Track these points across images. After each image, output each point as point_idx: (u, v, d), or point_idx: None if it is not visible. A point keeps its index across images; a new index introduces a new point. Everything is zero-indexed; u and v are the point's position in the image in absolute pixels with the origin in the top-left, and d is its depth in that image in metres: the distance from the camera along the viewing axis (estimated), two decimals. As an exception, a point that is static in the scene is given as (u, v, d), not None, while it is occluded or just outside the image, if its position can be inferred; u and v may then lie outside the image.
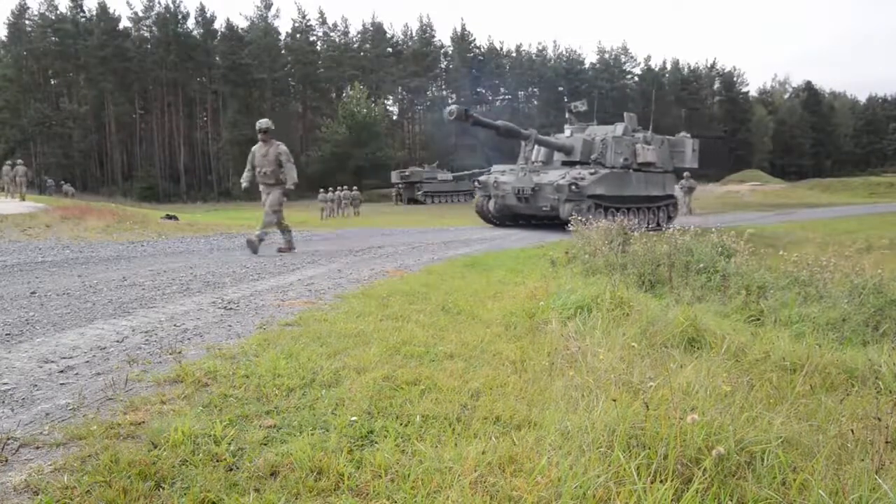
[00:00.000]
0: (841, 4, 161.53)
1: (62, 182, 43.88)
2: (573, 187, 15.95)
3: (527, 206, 17.14)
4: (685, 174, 25.61)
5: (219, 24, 63.12)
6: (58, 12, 58.37)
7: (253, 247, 9.31)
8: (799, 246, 11.53)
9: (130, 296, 5.57)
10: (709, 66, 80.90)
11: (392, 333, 4.38)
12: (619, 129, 18.80)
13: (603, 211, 16.17)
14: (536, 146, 18.86)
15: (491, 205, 18.17)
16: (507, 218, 18.59)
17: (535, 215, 17.96)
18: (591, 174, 16.38)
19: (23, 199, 22.04)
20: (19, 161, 25.96)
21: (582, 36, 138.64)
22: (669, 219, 19.96)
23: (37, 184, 39.83)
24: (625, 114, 20.13)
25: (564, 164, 18.10)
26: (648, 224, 17.40)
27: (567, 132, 19.46)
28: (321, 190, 30.85)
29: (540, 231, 16.97)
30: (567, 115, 21.09)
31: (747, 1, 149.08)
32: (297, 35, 66.57)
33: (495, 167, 18.99)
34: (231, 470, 2.30)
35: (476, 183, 18.75)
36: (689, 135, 21.79)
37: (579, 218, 13.25)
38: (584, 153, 18.11)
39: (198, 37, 61.44)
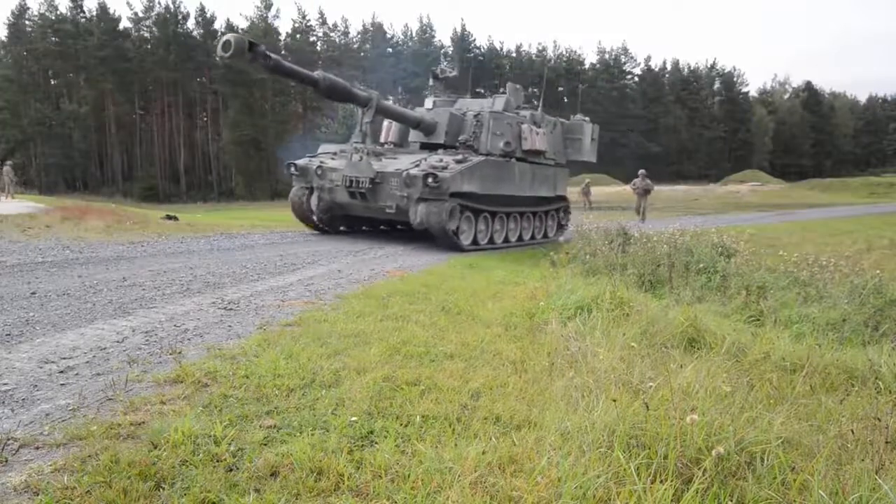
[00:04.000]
0: (841, 4, 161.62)
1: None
2: (430, 180, 10.59)
3: (364, 206, 11.80)
4: (640, 172, 21.21)
5: (219, 25, 63.07)
6: (58, 13, 58.36)
7: None
8: (799, 246, 11.53)
9: (130, 296, 5.57)
10: (709, 66, 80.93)
11: (392, 334, 4.38)
12: (498, 103, 13.62)
13: (472, 216, 11.78)
14: (387, 121, 14.02)
15: (314, 201, 12.52)
16: (338, 221, 13.28)
17: (375, 219, 13.18)
18: (459, 162, 11.18)
19: (12, 197, 22.13)
20: (8, 162, 26.08)
21: (582, 36, 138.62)
22: (560, 228, 15.61)
23: (37, 183, 39.78)
24: (507, 84, 15.10)
25: (424, 147, 13.13)
26: (534, 235, 14.13)
27: (428, 104, 14.14)
28: None
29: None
30: (430, 83, 15.22)
31: (747, 1, 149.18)
32: (297, 35, 66.56)
33: (324, 146, 13.47)
34: (231, 470, 2.30)
35: (292, 169, 12.65)
36: (587, 118, 16.45)
37: (446, 226, 10.80)
38: (450, 133, 12.91)
39: (198, 37, 61.42)
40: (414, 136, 13.55)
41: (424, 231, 11.29)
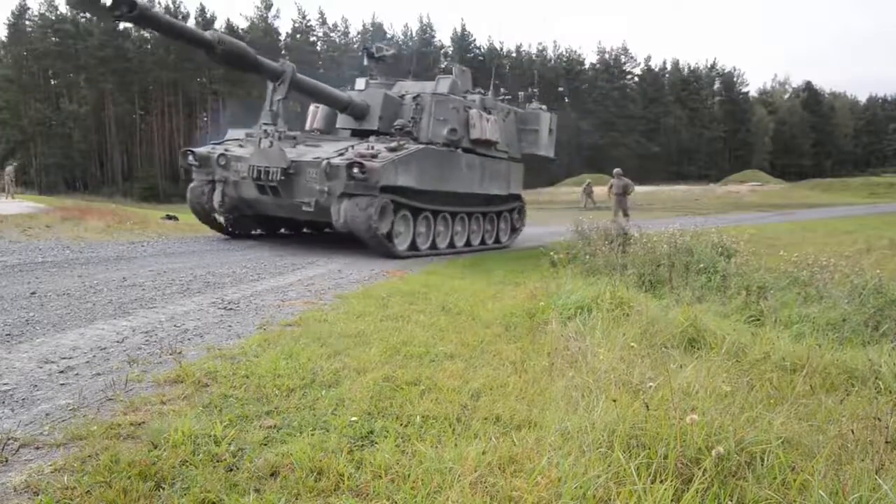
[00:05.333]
0: (841, 4, 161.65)
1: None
2: (355, 171, 8.76)
3: (276, 203, 9.74)
4: (616, 171, 18.28)
5: (219, 25, 63.09)
6: (58, 13, 58.36)
7: None
8: (799, 246, 11.54)
9: (131, 296, 5.57)
10: (709, 66, 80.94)
11: (392, 334, 4.38)
12: (442, 84, 11.77)
13: (410, 216, 10.08)
14: (314, 105, 12.13)
15: (216, 197, 10.07)
16: (249, 223, 11.30)
17: (292, 219, 11.06)
18: (392, 150, 9.44)
19: (12, 198, 22.21)
20: (13, 163, 26.17)
21: (582, 36, 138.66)
22: (514, 231, 14.01)
23: (37, 184, 39.80)
24: (454, 66, 13.26)
25: (356, 135, 11.15)
26: (484, 239, 12.56)
27: (360, 84, 12.33)
28: None
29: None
30: (365, 62, 13.02)
31: (747, 1, 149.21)
32: (298, 35, 66.58)
33: (232, 132, 11.21)
34: (231, 470, 2.30)
35: (189, 159, 10.37)
36: (544, 107, 14.55)
37: (376, 228, 8.95)
38: (385, 118, 11.01)
39: (198, 37, 61.37)
40: (343, 121, 11.57)
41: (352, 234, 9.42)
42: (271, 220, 11.41)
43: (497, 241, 13.16)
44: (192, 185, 10.68)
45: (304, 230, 12.58)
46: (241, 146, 10.32)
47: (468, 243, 11.89)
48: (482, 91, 13.05)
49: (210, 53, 8.70)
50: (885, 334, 5.39)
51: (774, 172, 66.56)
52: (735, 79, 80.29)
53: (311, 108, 12.36)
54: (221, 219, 11.04)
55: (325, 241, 11.42)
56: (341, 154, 9.32)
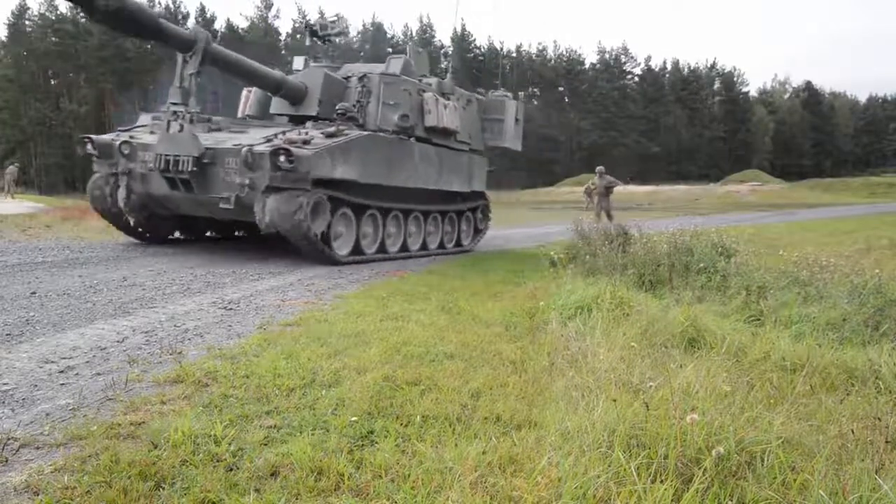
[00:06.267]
0: (841, 4, 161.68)
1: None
2: (281, 159, 7.46)
3: (190, 199, 8.24)
4: (598, 169, 17.14)
5: (219, 25, 63.14)
6: (58, 13, 58.34)
7: None
8: (799, 246, 11.54)
9: (131, 296, 5.57)
10: (709, 66, 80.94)
11: (392, 334, 4.38)
12: (395, 65, 10.46)
13: (352, 215, 8.67)
14: (247, 89, 10.62)
15: (121, 193, 8.48)
16: (165, 224, 9.68)
17: (213, 219, 9.40)
18: (330, 136, 8.09)
19: (12, 197, 22.24)
20: (15, 164, 26.25)
21: (582, 36, 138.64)
22: (478, 232, 12.60)
23: (37, 183, 39.85)
24: (408, 46, 11.98)
25: (293, 121, 9.60)
26: (443, 242, 11.12)
27: (298, 63, 10.89)
28: None
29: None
30: (308, 41, 11.41)
31: (747, 1, 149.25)
32: (298, 35, 66.57)
33: (144, 117, 9.62)
34: (231, 470, 2.30)
35: (88, 147, 8.74)
36: (509, 94, 13.22)
37: (308, 228, 7.58)
38: (326, 102, 9.49)
39: (198, 37, 61.38)
40: (278, 106, 9.99)
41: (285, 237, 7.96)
42: (194, 221, 9.69)
43: (458, 244, 11.71)
44: (92, 178, 8.95)
45: (237, 233, 10.91)
46: (152, 132, 8.61)
47: (424, 247, 10.52)
48: (440, 76, 11.72)
49: (90, 11, 6.96)
50: (886, 334, 5.38)
51: (774, 172, 66.54)
52: (735, 79, 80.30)
53: (244, 92, 10.75)
54: (132, 220, 9.05)
55: (261, 248, 9.56)
56: (269, 141, 7.84)
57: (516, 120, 12.73)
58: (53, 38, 57.10)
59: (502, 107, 12.55)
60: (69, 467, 2.26)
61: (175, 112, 8.04)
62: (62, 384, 3.22)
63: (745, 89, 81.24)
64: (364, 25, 70.78)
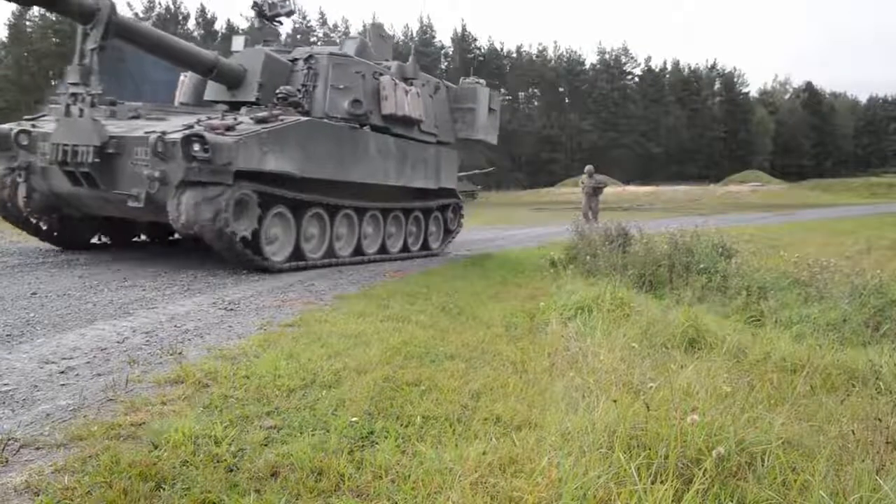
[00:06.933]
0: (842, 4, 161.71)
1: None
2: (196, 149, 6.40)
3: (96, 197, 7.14)
4: (587, 168, 16.40)
5: (219, 25, 63.12)
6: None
7: None
8: (799, 247, 11.54)
9: (131, 296, 5.57)
10: (709, 66, 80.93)
11: (392, 334, 4.38)
12: (349, 46, 9.60)
13: (291, 214, 7.53)
14: (185, 74, 9.37)
15: (21, 192, 7.39)
16: (83, 228, 8.46)
17: (124, 219, 8.07)
18: (260, 122, 7.03)
19: None
20: None
21: (582, 36, 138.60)
22: (448, 233, 11.45)
23: None
24: (367, 25, 10.32)
25: (232, 108, 8.15)
26: (406, 245, 10.03)
27: (237, 43, 9.83)
28: None
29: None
30: (254, 21, 10.56)
31: (747, 1, 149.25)
32: (298, 36, 66.57)
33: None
34: (232, 471, 2.30)
35: None
36: (482, 81, 11.98)
37: (230, 231, 6.49)
38: (268, 86, 8.37)
39: (198, 37, 61.42)
40: (213, 91, 8.81)
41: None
42: (121, 222, 8.35)
43: (424, 246, 10.61)
44: None
45: (173, 236, 9.43)
46: (56, 119, 7.27)
47: (384, 250, 9.43)
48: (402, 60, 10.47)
49: None
50: (886, 335, 5.39)
51: (775, 173, 66.53)
52: (735, 79, 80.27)
53: (181, 77, 9.56)
54: (40, 222, 7.93)
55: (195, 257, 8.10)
56: (190, 128, 6.64)
57: (490, 109, 11.55)
58: (54, 39, 57.14)
59: (474, 95, 11.33)
60: (69, 468, 2.26)
61: (74, 94, 6.97)
62: (62, 385, 3.22)
63: (745, 90, 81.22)
64: (364, 26, 70.80)
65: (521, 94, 73.53)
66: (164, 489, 2.14)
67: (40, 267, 7.09)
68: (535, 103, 73.06)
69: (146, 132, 6.69)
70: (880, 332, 5.48)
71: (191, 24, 62.34)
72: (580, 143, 64.15)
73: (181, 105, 9.12)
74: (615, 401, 2.64)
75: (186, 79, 9.43)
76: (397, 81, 9.30)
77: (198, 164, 6.39)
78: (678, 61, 78.25)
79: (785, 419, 2.75)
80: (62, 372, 3.42)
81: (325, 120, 8.14)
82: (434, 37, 70.51)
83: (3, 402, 2.93)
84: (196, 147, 6.33)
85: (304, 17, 67.59)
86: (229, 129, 6.65)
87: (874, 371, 3.99)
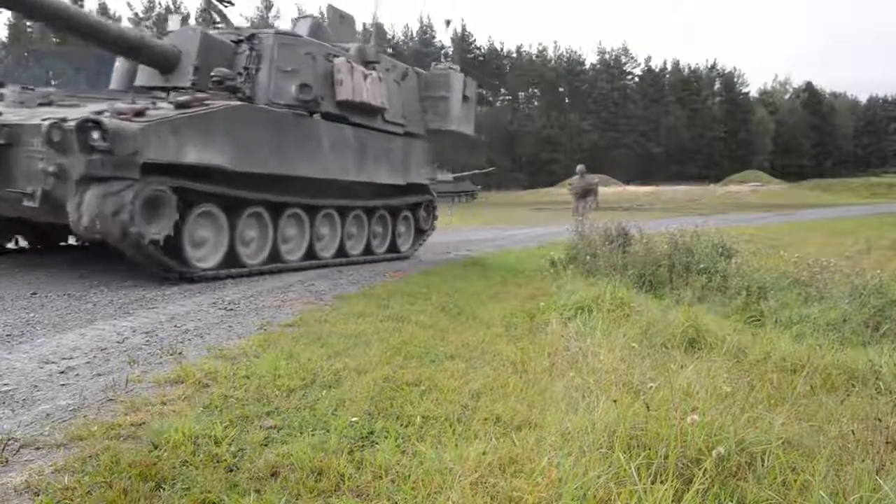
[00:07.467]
0: (842, 4, 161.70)
1: None
2: (94, 136, 5.42)
3: None
4: (578, 168, 15.58)
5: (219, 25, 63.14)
6: (58, 13, 58.42)
7: None
8: (800, 247, 11.54)
9: (131, 296, 5.57)
10: (709, 66, 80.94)
11: (392, 334, 4.38)
12: (301, 26, 8.88)
13: (222, 213, 6.63)
14: (120, 59, 8.37)
15: None
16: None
17: (27, 220, 7.04)
18: (181, 107, 6.21)
19: None
20: None
21: (582, 36, 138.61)
22: (420, 233, 10.56)
23: None
24: (328, 6, 10.01)
25: (167, 94, 7.43)
26: (370, 247, 9.15)
27: (174, 23, 9.17)
28: None
29: None
30: (203, 3, 9.22)
31: (747, 1, 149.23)
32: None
33: None
34: (232, 471, 2.30)
35: None
36: (456, 66, 10.98)
37: (137, 233, 5.61)
38: (204, 69, 7.36)
39: (198, 37, 61.43)
40: (145, 76, 7.94)
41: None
42: (47, 225, 7.13)
43: (392, 248, 9.74)
44: None
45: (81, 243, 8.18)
46: None
47: (342, 252, 8.56)
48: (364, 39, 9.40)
49: None
50: (886, 335, 5.39)
51: (775, 173, 66.55)
52: (735, 79, 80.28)
53: (118, 61, 8.51)
54: None
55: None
56: (99, 114, 5.68)
57: (465, 97, 10.55)
58: (55, 39, 57.19)
59: (446, 82, 10.26)
60: (69, 468, 2.26)
61: None
62: (62, 385, 3.22)
63: (745, 90, 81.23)
64: (364, 27, 70.73)
65: (521, 94, 73.57)
66: (164, 489, 2.14)
67: (41, 266, 7.07)
68: (535, 103, 73.05)
69: (44, 119, 5.69)
70: (880, 332, 5.48)
71: (191, 23, 62.31)
72: (580, 143, 64.15)
73: (110, 92, 8.00)
74: (615, 401, 2.64)
75: (123, 64, 8.45)
76: (354, 65, 8.31)
77: (100, 156, 5.44)
78: (678, 61, 78.28)
79: (785, 419, 2.75)
80: (62, 372, 3.42)
81: (266, 106, 7.25)
82: (434, 37, 70.49)
83: (4, 402, 2.94)
84: (94, 135, 5.42)
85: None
86: (139, 114, 5.80)
87: (874, 371, 3.99)
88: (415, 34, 70.67)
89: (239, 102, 6.81)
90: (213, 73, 7.10)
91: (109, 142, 5.41)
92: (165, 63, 7.56)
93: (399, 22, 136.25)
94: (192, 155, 6.06)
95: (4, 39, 58.96)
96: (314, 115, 7.79)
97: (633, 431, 2.44)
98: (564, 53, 74.83)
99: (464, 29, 69.26)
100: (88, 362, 3.62)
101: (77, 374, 3.39)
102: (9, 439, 2.49)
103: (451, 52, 69.58)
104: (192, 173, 6.15)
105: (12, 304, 5.07)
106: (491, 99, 71.64)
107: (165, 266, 6.17)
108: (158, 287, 6.07)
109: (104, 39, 7.06)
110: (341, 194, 8.31)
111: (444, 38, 70.96)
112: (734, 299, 6.54)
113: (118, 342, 4.07)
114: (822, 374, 3.94)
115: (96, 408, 2.88)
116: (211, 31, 8.00)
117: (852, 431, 2.68)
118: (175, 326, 4.56)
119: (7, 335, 4.13)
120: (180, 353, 3.82)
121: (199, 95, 6.53)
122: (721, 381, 3.09)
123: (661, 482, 2.11)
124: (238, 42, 7.83)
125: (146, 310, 5.10)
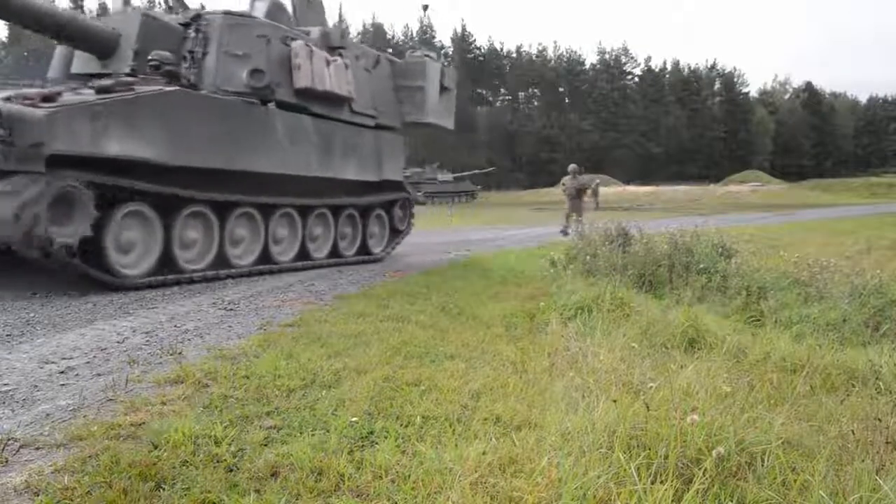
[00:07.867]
0: (842, 4, 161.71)
1: None
2: None
3: None
4: (570, 168, 15.09)
5: (219, 25, 63.08)
6: (58, 13, 58.39)
7: None
8: (800, 247, 11.54)
9: (131, 296, 5.57)
10: (709, 66, 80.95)
11: (392, 334, 4.38)
12: (259, 8, 7.99)
13: (155, 214, 6.00)
14: (61, 46, 7.48)
15: None
16: None
17: None
18: (103, 91, 5.56)
19: None
20: None
21: (582, 36, 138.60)
22: (396, 234, 9.92)
23: None
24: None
25: (96, 81, 6.17)
26: (337, 249, 8.51)
27: (116, 4, 7.92)
28: None
29: None
30: None
31: (747, 1, 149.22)
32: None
33: None
34: (231, 471, 2.30)
35: None
36: (432, 54, 10.39)
37: (46, 237, 5.02)
38: (144, 53, 6.65)
39: (198, 37, 61.39)
40: (81, 63, 7.28)
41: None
42: None
43: (363, 250, 9.07)
44: None
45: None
46: None
47: (304, 255, 7.91)
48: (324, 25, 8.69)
49: None
50: (886, 335, 5.39)
51: (775, 173, 66.55)
52: (735, 79, 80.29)
53: (59, 48, 7.71)
54: None
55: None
56: (7, 101, 5.11)
57: (443, 87, 9.82)
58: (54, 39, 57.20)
59: (423, 71, 9.41)
60: (69, 468, 2.26)
61: None
62: (62, 385, 3.22)
63: (745, 90, 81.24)
64: (364, 26, 70.78)
65: (521, 94, 73.55)
66: (164, 489, 2.14)
67: (41, 266, 7.03)
68: (535, 103, 73.02)
69: None
70: (880, 332, 5.48)
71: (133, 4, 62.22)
72: (580, 143, 64.15)
73: (47, 80, 7.32)
74: (615, 401, 2.64)
75: (62, 51, 7.65)
76: (315, 49, 7.53)
77: (1, 148, 4.84)
78: (678, 61, 78.28)
79: (785, 419, 2.75)
80: (62, 372, 3.43)
81: (211, 93, 6.58)
82: (434, 37, 70.50)
83: (4, 402, 2.94)
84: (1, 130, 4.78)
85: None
86: (47, 99, 5.18)
87: (874, 371, 3.99)
88: (414, 34, 70.68)
89: (174, 88, 6.13)
90: (150, 57, 6.44)
91: (7, 130, 4.78)
92: (103, 47, 6.90)
93: (399, 22, 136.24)
94: (114, 147, 5.41)
95: (4, 39, 58.92)
96: (268, 104, 7.08)
97: (633, 431, 2.44)
98: (564, 53, 74.85)
99: (464, 29, 69.31)
100: (88, 362, 3.62)
101: (77, 374, 3.39)
102: (9, 439, 2.49)
103: (451, 52, 69.61)
104: (115, 168, 5.53)
105: (12, 304, 5.07)
106: (491, 99, 71.66)
107: (84, 274, 5.54)
108: (158, 287, 6.07)
109: (30, 20, 6.33)
110: (303, 192, 7.65)
111: (444, 38, 70.94)
112: (734, 299, 6.53)
113: (118, 342, 4.07)
114: (822, 374, 3.94)
115: (96, 408, 2.88)
116: (154, 13, 7.35)
117: (852, 431, 2.68)
118: (175, 326, 4.56)
119: (7, 335, 4.13)
120: (180, 353, 3.82)
121: (125, 80, 5.94)
122: (721, 381, 3.09)
123: (661, 482, 2.11)
124: (186, 25, 7.12)
125: (146, 310, 5.10)
